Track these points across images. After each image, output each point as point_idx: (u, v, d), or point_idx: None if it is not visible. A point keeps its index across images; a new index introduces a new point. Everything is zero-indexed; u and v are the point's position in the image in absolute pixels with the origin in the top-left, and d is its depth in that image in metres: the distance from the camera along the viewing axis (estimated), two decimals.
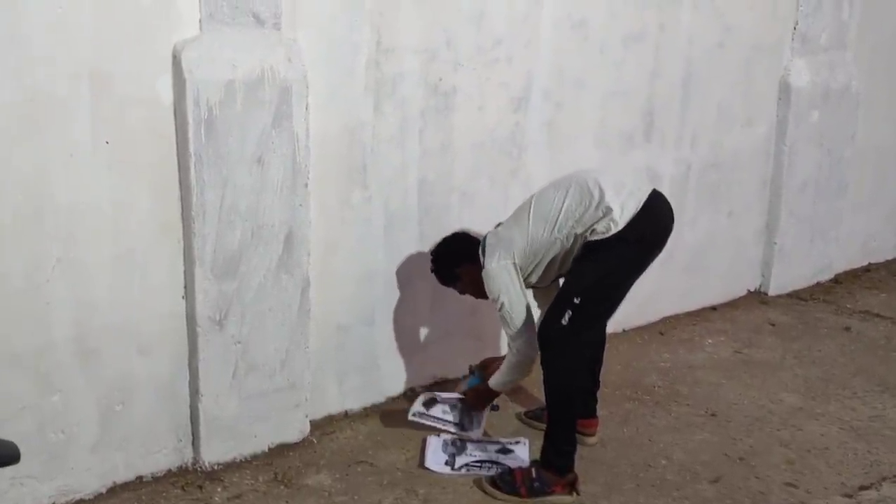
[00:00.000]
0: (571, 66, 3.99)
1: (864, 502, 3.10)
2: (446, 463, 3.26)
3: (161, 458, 3.13)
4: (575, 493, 3.05)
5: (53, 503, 2.91)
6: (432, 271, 3.39)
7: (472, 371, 3.52)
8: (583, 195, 3.01)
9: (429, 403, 3.40)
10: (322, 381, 3.49)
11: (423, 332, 3.80)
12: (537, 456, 3.14)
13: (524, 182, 3.91)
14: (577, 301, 2.96)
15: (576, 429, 3.13)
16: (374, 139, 3.43)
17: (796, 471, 3.29)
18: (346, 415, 3.61)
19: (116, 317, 2.91)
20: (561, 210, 3.04)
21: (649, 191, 3.05)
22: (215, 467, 3.19)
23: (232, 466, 3.20)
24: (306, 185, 3.15)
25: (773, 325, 4.76)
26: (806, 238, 5.20)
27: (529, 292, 3.21)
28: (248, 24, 2.97)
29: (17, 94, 2.60)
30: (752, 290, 5.17)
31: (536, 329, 3.08)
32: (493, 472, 3.18)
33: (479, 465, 3.25)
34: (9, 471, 2.58)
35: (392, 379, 3.75)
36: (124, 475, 3.06)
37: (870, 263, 5.80)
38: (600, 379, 3.48)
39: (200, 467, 3.17)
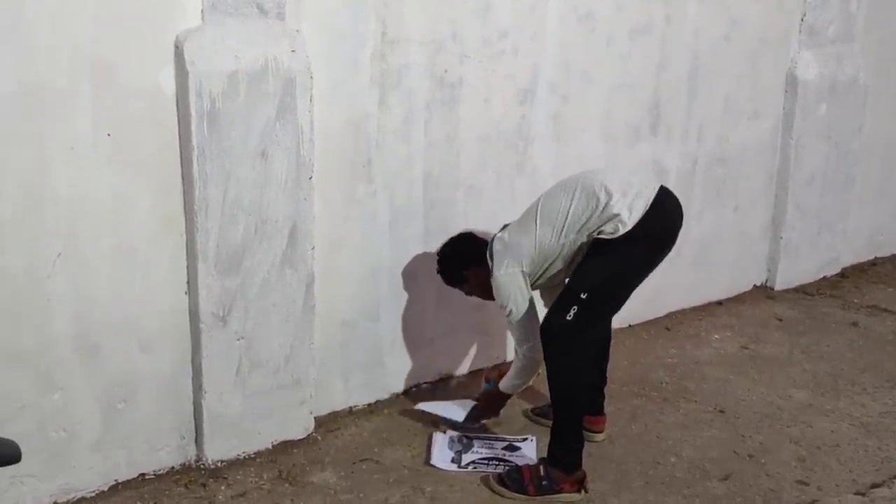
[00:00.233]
0: (578, 59, 3.94)
1: (877, 500, 3.06)
2: (452, 460, 3.22)
3: (164, 455, 3.09)
4: (583, 491, 3.02)
5: (55, 502, 2.87)
6: (438, 272, 3.36)
7: (487, 380, 3.49)
8: (589, 199, 2.97)
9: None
10: (326, 378, 3.45)
11: (429, 327, 3.75)
12: (545, 453, 3.10)
13: (530, 175, 3.87)
14: (583, 297, 2.92)
15: (583, 425, 3.10)
16: (379, 132, 3.38)
17: (807, 468, 3.26)
18: (350, 411, 3.57)
19: (118, 313, 2.87)
20: (567, 215, 3.00)
21: (657, 188, 3.01)
22: (219, 465, 3.15)
23: (236, 464, 3.16)
24: (311, 179, 3.10)
25: (779, 319, 4.72)
26: (812, 232, 5.16)
27: (536, 292, 3.19)
28: (251, 14, 2.92)
29: (16, 85, 2.55)
30: (758, 284, 5.13)
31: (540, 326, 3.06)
32: (499, 469, 3.14)
33: (485, 462, 3.21)
34: (9, 469, 2.53)
35: (397, 375, 3.71)
36: (126, 473, 3.01)
37: (876, 257, 5.75)
38: (607, 375, 3.44)
39: (204, 465, 3.13)
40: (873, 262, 5.71)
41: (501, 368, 3.44)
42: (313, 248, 3.18)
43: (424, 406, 3.46)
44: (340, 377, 3.53)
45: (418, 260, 3.61)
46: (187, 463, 3.14)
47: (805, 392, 3.88)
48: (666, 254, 3.08)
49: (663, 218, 2.99)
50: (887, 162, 5.58)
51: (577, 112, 4.00)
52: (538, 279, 3.13)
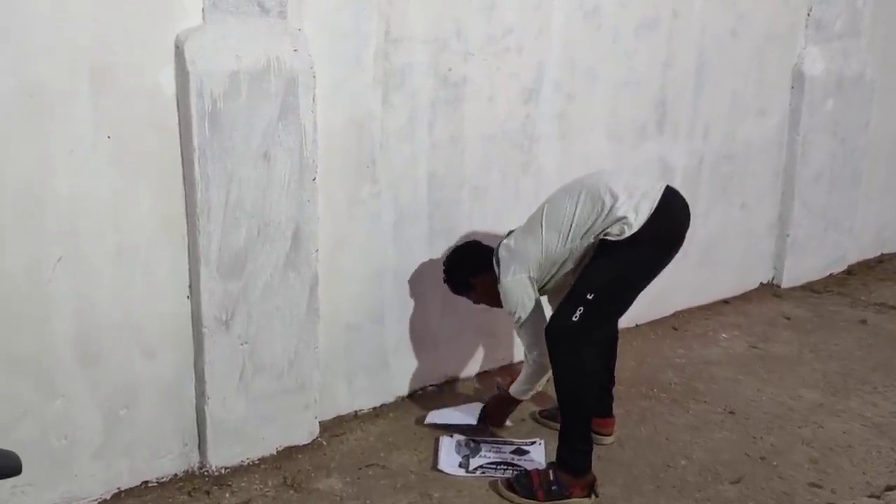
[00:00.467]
0: (583, 56, 3.89)
1: (892, 503, 3.01)
2: (460, 465, 3.18)
3: (167, 462, 3.04)
4: (594, 496, 2.97)
5: None
6: (445, 281, 3.33)
7: (499, 387, 3.46)
8: (594, 202, 2.93)
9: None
10: (331, 382, 3.40)
11: (435, 329, 3.70)
12: (553, 457, 3.06)
13: (535, 175, 3.82)
14: (589, 297, 2.88)
15: (591, 427, 3.06)
16: (382, 132, 3.33)
17: (820, 470, 3.21)
18: (356, 415, 3.52)
19: (119, 318, 2.82)
20: (573, 219, 2.97)
21: (663, 188, 2.97)
22: (222, 471, 3.09)
23: (240, 470, 3.11)
24: (314, 180, 3.05)
25: (787, 318, 4.67)
26: (819, 229, 5.11)
27: (544, 296, 3.15)
28: (252, 13, 2.87)
29: (15, 86, 2.50)
30: (765, 282, 5.08)
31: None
32: (508, 473, 3.10)
33: (493, 466, 3.17)
34: (10, 479, 2.50)
35: (403, 378, 3.66)
36: (129, 481, 2.97)
37: (882, 254, 5.71)
38: (615, 375, 3.40)
39: (207, 472, 3.08)
40: (880, 259, 5.67)
41: (514, 375, 3.39)
42: (317, 251, 3.13)
43: (433, 419, 3.42)
44: (345, 381, 3.48)
45: (423, 261, 3.57)
46: (190, 470, 3.09)
47: (815, 392, 3.83)
48: (673, 255, 3.04)
49: (669, 219, 2.95)
50: (894, 158, 5.53)
51: (582, 110, 3.95)
52: (546, 284, 3.10)
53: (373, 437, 3.39)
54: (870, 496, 3.06)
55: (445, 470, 3.15)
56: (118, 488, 2.94)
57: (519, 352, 3.93)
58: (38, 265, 2.64)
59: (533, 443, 3.32)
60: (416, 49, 3.35)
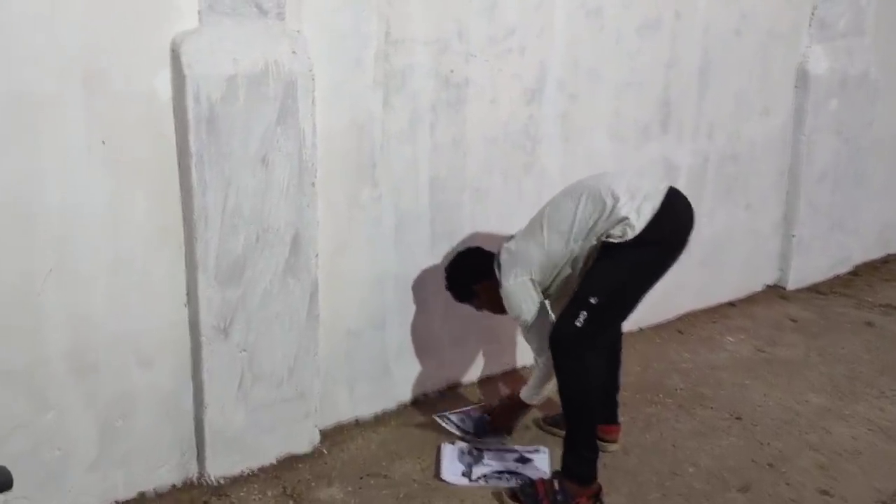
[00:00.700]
0: (586, 57, 3.83)
1: None
2: (463, 473, 3.12)
3: (164, 473, 2.98)
4: None
5: None
6: (447, 289, 3.27)
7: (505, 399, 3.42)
8: (595, 204, 2.89)
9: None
10: (331, 389, 3.34)
11: (437, 334, 3.64)
12: (558, 465, 3.01)
13: (538, 176, 3.77)
14: (593, 301, 2.83)
15: (596, 434, 3.01)
16: (383, 135, 3.27)
17: (829, 476, 3.16)
18: (356, 423, 3.47)
19: (114, 327, 2.76)
20: (574, 220, 2.93)
21: (666, 190, 2.93)
22: (221, 482, 3.04)
23: (239, 480, 3.06)
24: (313, 185, 2.99)
25: (793, 321, 4.62)
26: (824, 229, 5.06)
27: (548, 301, 3.10)
28: (250, 15, 2.81)
29: (4, 91, 2.44)
30: (770, 284, 5.03)
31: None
32: (511, 482, 3.05)
33: (497, 475, 3.11)
34: (1, 494, 2.45)
35: (404, 385, 3.60)
36: (125, 493, 2.91)
37: (888, 254, 5.67)
38: (620, 381, 3.34)
39: (206, 482, 3.03)
40: (885, 260, 5.62)
41: (519, 384, 3.34)
42: (317, 256, 3.08)
43: (442, 420, 3.39)
44: (346, 388, 3.42)
45: (425, 265, 3.51)
46: (189, 480, 3.04)
47: (822, 396, 3.78)
48: (677, 257, 2.99)
49: (673, 220, 2.91)
50: None
51: (585, 111, 3.89)
52: (550, 287, 3.05)
53: (374, 444, 3.34)
54: (879, 503, 3.01)
55: (448, 479, 3.09)
56: (115, 501, 2.89)
57: (522, 357, 3.89)
58: (29, 275, 2.57)
59: (536, 451, 3.27)
60: (417, 50, 3.29)
